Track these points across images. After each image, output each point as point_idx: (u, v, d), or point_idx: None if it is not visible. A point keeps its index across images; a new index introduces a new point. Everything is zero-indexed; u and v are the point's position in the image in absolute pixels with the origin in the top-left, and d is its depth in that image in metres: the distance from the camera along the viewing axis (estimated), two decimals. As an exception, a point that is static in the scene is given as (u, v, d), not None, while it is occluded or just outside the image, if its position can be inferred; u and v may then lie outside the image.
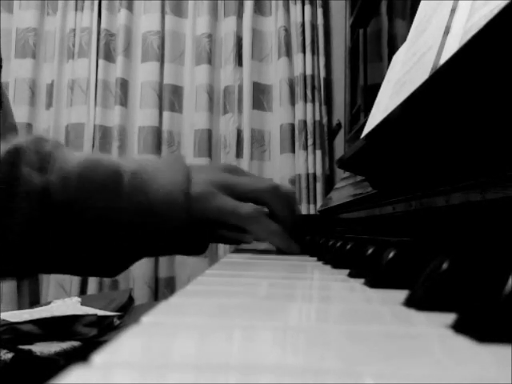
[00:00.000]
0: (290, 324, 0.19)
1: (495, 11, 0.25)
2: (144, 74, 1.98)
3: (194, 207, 0.44)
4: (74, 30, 2.00)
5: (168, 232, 0.44)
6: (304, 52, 1.95)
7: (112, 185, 0.42)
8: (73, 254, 0.44)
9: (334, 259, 0.41)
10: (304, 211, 1.87)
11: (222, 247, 1.83)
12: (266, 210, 0.51)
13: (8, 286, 1.83)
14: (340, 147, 1.91)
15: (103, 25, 1.98)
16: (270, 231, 0.48)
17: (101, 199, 0.42)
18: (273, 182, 0.50)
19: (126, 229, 0.43)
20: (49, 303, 1.22)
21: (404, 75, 0.56)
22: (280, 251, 0.53)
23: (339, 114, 1.92)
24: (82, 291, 1.83)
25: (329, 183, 1.91)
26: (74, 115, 1.96)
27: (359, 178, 0.77)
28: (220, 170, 0.49)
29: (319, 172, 1.91)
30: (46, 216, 0.41)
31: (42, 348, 0.84)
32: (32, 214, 0.40)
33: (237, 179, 0.48)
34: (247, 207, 0.47)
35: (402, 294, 0.23)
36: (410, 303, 0.21)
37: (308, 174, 1.90)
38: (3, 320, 0.93)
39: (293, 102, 1.96)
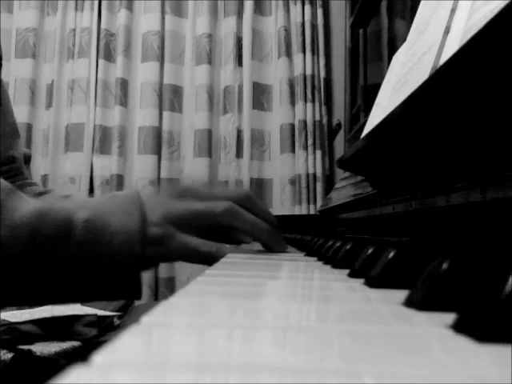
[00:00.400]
0: (290, 324, 0.19)
1: (495, 11, 0.25)
2: (144, 73, 1.98)
3: (152, 252, 0.43)
4: (74, 30, 2.00)
5: (128, 275, 0.43)
6: (304, 52, 1.95)
7: (62, 235, 0.41)
8: (22, 295, 0.43)
9: (333, 259, 0.41)
10: (304, 211, 1.87)
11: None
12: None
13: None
14: (340, 147, 1.91)
15: (103, 25, 1.98)
16: (218, 255, 0.46)
17: (51, 251, 0.40)
18: (227, 204, 0.46)
19: (80, 277, 0.42)
20: (49, 303, 1.21)
21: (404, 75, 0.56)
22: (266, 248, 0.52)
23: (339, 113, 1.92)
24: (82, 291, 1.83)
25: (329, 183, 1.91)
26: (74, 115, 1.96)
27: (359, 177, 0.77)
28: (174, 197, 0.46)
29: (319, 172, 1.91)
30: None
31: (42, 348, 0.84)
32: None
33: (191, 210, 0.46)
34: (207, 244, 0.45)
35: (402, 294, 0.23)
36: (410, 303, 0.21)
37: (308, 174, 1.90)
38: (3, 320, 0.93)
39: (293, 102, 1.96)
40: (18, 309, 1.25)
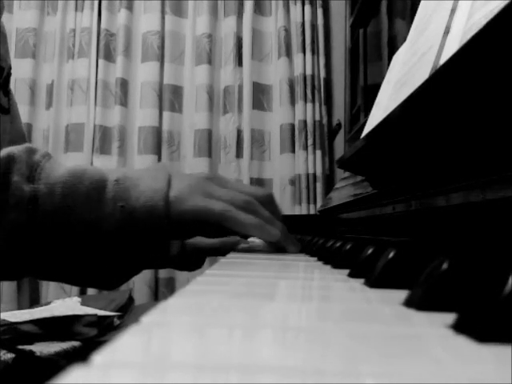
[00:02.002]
0: (290, 323, 0.19)
1: (495, 11, 0.25)
2: (144, 74, 1.98)
3: (172, 211, 0.45)
4: (74, 30, 2.00)
5: (151, 237, 0.45)
6: (304, 52, 1.95)
7: (96, 192, 0.44)
8: (63, 261, 0.45)
9: (333, 259, 0.41)
10: (304, 211, 1.87)
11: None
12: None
13: (8, 286, 1.83)
14: (340, 147, 1.91)
15: (103, 25, 1.98)
16: (247, 224, 0.47)
17: (85, 206, 0.43)
18: (248, 198, 0.49)
19: (110, 235, 0.44)
20: (49, 303, 1.21)
21: (404, 75, 0.56)
22: (277, 250, 0.53)
23: (339, 113, 1.92)
24: (82, 291, 1.83)
25: (329, 183, 1.91)
26: (74, 115, 1.96)
27: (359, 178, 0.77)
28: (201, 179, 0.49)
29: (319, 172, 1.91)
30: (33, 223, 0.42)
31: (42, 348, 0.84)
32: (20, 220, 0.42)
33: (214, 189, 0.48)
34: (220, 204, 0.46)
35: (402, 294, 0.23)
36: (410, 303, 0.21)
37: (308, 174, 1.90)
38: (3, 320, 0.93)
39: (293, 102, 1.96)
40: (17, 308, 1.25)
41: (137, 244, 0.45)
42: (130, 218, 0.44)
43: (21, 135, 0.76)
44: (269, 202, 0.51)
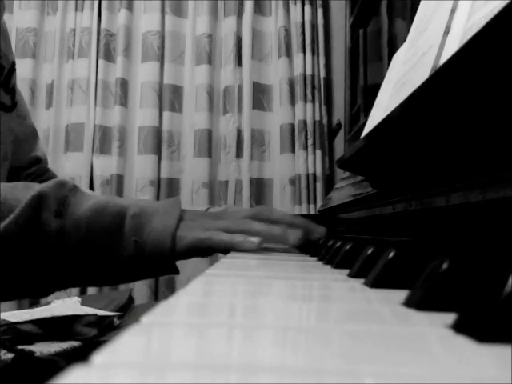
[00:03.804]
0: (290, 324, 0.19)
1: (495, 11, 0.25)
2: (144, 74, 1.98)
3: (176, 247, 0.51)
4: (74, 30, 2.00)
5: (156, 266, 0.51)
6: (304, 52, 1.95)
7: (115, 226, 0.50)
8: (78, 278, 0.52)
9: (333, 259, 0.41)
10: (304, 211, 1.87)
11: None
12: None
13: (8, 286, 1.83)
14: (340, 147, 1.91)
15: (103, 25, 1.98)
16: (231, 242, 0.52)
17: (105, 238, 0.49)
18: (241, 222, 0.54)
19: (123, 263, 0.51)
20: (49, 303, 1.21)
21: (404, 75, 0.56)
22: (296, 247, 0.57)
23: (339, 113, 1.92)
24: (82, 291, 1.83)
25: (329, 183, 1.91)
26: (74, 115, 1.96)
27: (359, 178, 0.77)
28: (207, 218, 0.55)
29: (319, 172, 1.90)
30: (59, 253, 0.48)
31: (42, 348, 0.84)
32: (48, 251, 0.47)
33: (213, 224, 0.54)
34: (212, 233, 0.52)
35: (402, 294, 0.23)
36: (409, 303, 0.21)
37: (308, 174, 1.90)
38: (3, 320, 0.93)
39: (293, 102, 1.96)
40: (17, 308, 1.25)
41: (144, 269, 0.52)
42: (141, 251, 0.50)
43: (31, 130, 0.78)
44: (266, 213, 0.57)
